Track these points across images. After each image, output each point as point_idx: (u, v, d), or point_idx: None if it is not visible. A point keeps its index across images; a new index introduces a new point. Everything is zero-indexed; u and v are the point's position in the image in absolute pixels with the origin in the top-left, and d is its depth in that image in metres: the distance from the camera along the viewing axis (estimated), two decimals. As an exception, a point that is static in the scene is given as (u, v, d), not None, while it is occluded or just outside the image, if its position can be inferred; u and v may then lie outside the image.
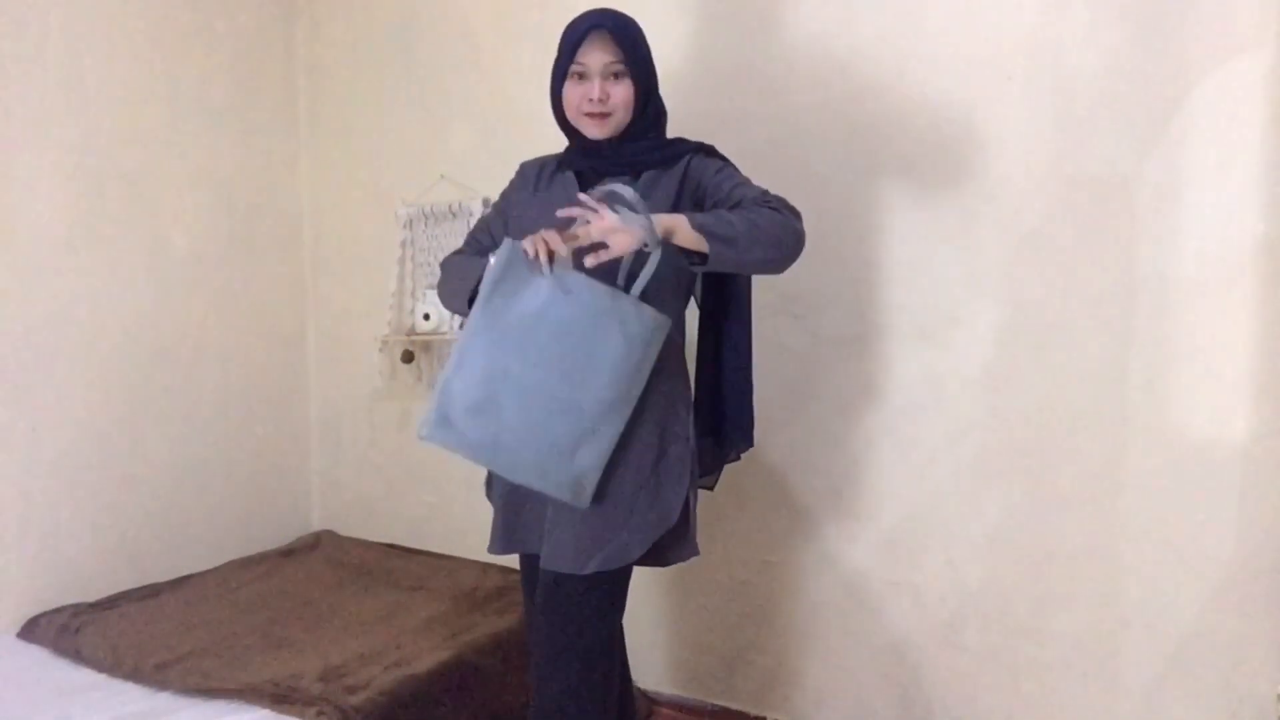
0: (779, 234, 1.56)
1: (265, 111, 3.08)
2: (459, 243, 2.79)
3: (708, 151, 1.75)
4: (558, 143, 2.26)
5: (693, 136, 2.29)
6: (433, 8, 2.86)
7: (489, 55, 2.76)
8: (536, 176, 1.81)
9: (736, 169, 1.73)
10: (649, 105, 1.71)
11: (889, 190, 2.14)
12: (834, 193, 2.20)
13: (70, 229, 2.53)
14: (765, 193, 1.64)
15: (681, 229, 1.49)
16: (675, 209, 1.62)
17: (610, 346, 1.53)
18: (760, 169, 2.27)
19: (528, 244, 1.53)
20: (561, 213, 1.53)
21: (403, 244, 2.95)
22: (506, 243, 1.56)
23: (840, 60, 2.18)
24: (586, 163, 1.73)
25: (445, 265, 1.85)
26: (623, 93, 1.66)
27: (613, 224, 1.46)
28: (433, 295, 2.83)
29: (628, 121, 1.69)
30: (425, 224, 2.91)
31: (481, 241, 1.84)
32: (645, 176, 1.68)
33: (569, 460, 1.54)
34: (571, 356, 1.53)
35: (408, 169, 2.94)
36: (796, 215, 1.62)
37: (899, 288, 2.14)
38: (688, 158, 1.71)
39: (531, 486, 1.58)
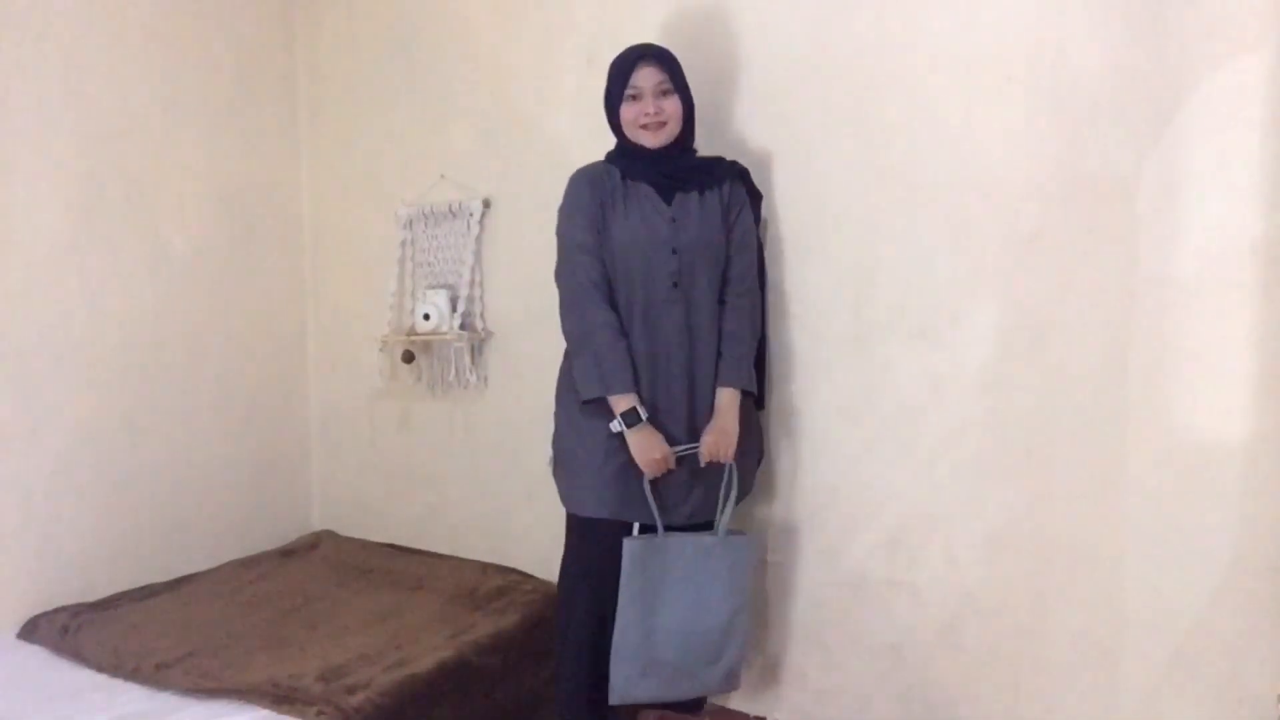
0: (756, 331, 2.13)
1: (265, 111, 3.08)
2: (459, 242, 2.84)
3: (741, 176, 2.16)
4: (554, 142, 2.28)
5: (693, 136, 2.30)
6: (433, 8, 2.86)
7: (489, 55, 2.76)
8: (609, 189, 2.07)
9: (751, 210, 2.14)
10: (690, 120, 2.08)
11: (889, 190, 2.13)
12: (834, 193, 2.20)
13: (70, 229, 2.53)
14: (751, 266, 2.11)
15: (734, 411, 2.04)
16: (718, 230, 2.06)
17: (719, 577, 2.03)
18: (760, 169, 2.28)
19: (651, 471, 1.98)
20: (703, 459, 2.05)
21: (403, 244, 2.96)
22: (627, 548, 1.99)
23: (841, 60, 2.18)
24: (657, 174, 2.06)
25: (585, 327, 2.03)
26: (673, 107, 2.04)
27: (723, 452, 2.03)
28: (433, 295, 2.83)
29: (678, 132, 2.06)
30: (425, 224, 2.91)
31: (594, 261, 2.04)
32: (708, 194, 2.07)
33: (715, 666, 2.07)
34: (695, 596, 2.02)
35: (408, 169, 2.94)
36: (760, 287, 2.17)
37: (899, 288, 2.14)
38: (728, 182, 2.10)
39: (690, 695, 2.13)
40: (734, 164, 2.16)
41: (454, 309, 2.81)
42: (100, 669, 2.14)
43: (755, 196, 2.20)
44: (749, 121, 2.30)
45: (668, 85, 2.03)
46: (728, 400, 2.04)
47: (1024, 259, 1.99)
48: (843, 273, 2.21)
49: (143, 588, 2.61)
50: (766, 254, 2.30)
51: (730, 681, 2.10)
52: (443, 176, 2.86)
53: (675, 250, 2.01)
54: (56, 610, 2.41)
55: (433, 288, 2.88)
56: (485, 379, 2.83)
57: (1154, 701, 1.90)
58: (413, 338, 2.87)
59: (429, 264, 2.92)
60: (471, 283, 2.81)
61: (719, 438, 2.01)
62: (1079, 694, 1.98)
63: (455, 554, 2.89)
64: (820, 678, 2.29)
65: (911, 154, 2.10)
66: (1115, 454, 1.91)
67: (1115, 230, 1.89)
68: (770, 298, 2.30)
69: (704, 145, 2.32)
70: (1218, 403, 1.81)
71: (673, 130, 2.05)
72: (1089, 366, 1.93)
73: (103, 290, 2.62)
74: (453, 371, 2.85)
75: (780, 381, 2.31)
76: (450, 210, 2.83)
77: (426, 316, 2.79)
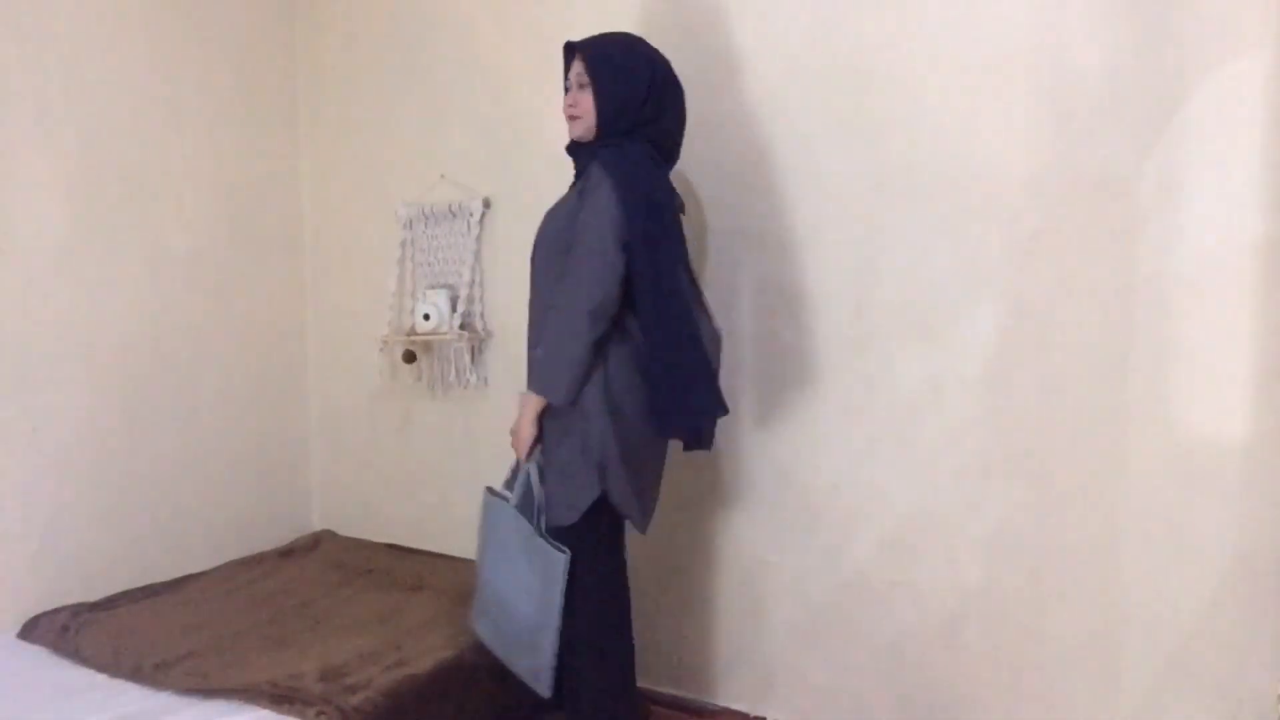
0: (553, 336, 1.90)
1: (265, 111, 3.08)
2: (459, 242, 2.84)
3: (601, 161, 1.94)
4: (556, 143, 2.27)
5: (693, 136, 2.29)
6: (432, 8, 2.86)
7: (489, 55, 2.76)
8: None
9: (592, 210, 1.90)
10: (616, 117, 1.95)
11: (889, 190, 2.13)
12: (834, 192, 2.20)
13: (70, 229, 2.53)
14: (575, 263, 1.89)
15: (524, 413, 1.95)
16: (565, 230, 1.95)
17: (530, 574, 1.98)
18: (760, 169, 2.28)
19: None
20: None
21: (403, 244, 2.96)
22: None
23: (841, 60, 2.18)
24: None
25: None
26: (586, 102, 1.97)
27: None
28: (433, 294, 2.83)
29: (594, 127, 1.98)
30: (425, 224, 2.91)
31: None
32: (576, 185, 2.02)
33: (526, 657, 2.00)
34: (513, 576, 2.01)
35: (408, 169, 2.94)
36: (574, 307, 1.87)
37: (899, 288, 2.14)
38: (586, 178, 1.97)
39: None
40: (602, 152, 1.97)
41: (454, 309, 2.81)
42: (100, 669, 2.14)
43: (618, 186, 1.91)
44: (749, 121, 2.30)
45: (585, 79, 1.96)
46: (519, 401, 1.98)
47: (1024, 259, 1.99)
48: (843, 273, 2.21)
49: (143, 588, 2.61)
50: (767, 254, 2.30)
51: (539, 682, 1.97)
52: (443, 176, 2.86)
53: (535, 246, 2.06)
54: (56, 610, 2.41)
55: (433, 288, 2.88)
56: (485, 379, 2.83)
57: (1154, 701, 1.90)
58: (413, 338, 2.87)
59: (429, 264, 2.92)
60: (471, 283, 2.81)
61: (512, 434, 2.00)
62: (1079, 694, 1.98)
63: (455, 554, 2.89)
64: (820, 678, 2.29)
65: (911, 154, 2.10)
66: (1115, 454, 1.91)
67: (1115, 230, 1.89)
68: (770, 298, 2.30)
69: (703, 145, 2.32)
70: (1218, 403, 1.81)
71: (588, 124, 1.98)
72: (1089, 366, 1.93)
73: (103, 290, 2.61)
74: (453, 371, 2.85)
75: (780, 381, 2.31)
76: (450, 210, 2.83)
77: (426, 316, 2.79)
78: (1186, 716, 1.87)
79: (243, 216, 3.02)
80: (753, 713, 2.39)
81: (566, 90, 2.04)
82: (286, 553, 2.98)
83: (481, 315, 2.82)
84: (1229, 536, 1.81)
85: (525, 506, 2.04)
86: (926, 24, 2.07)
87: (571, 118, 2.01)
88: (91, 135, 2.57)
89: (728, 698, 2.43)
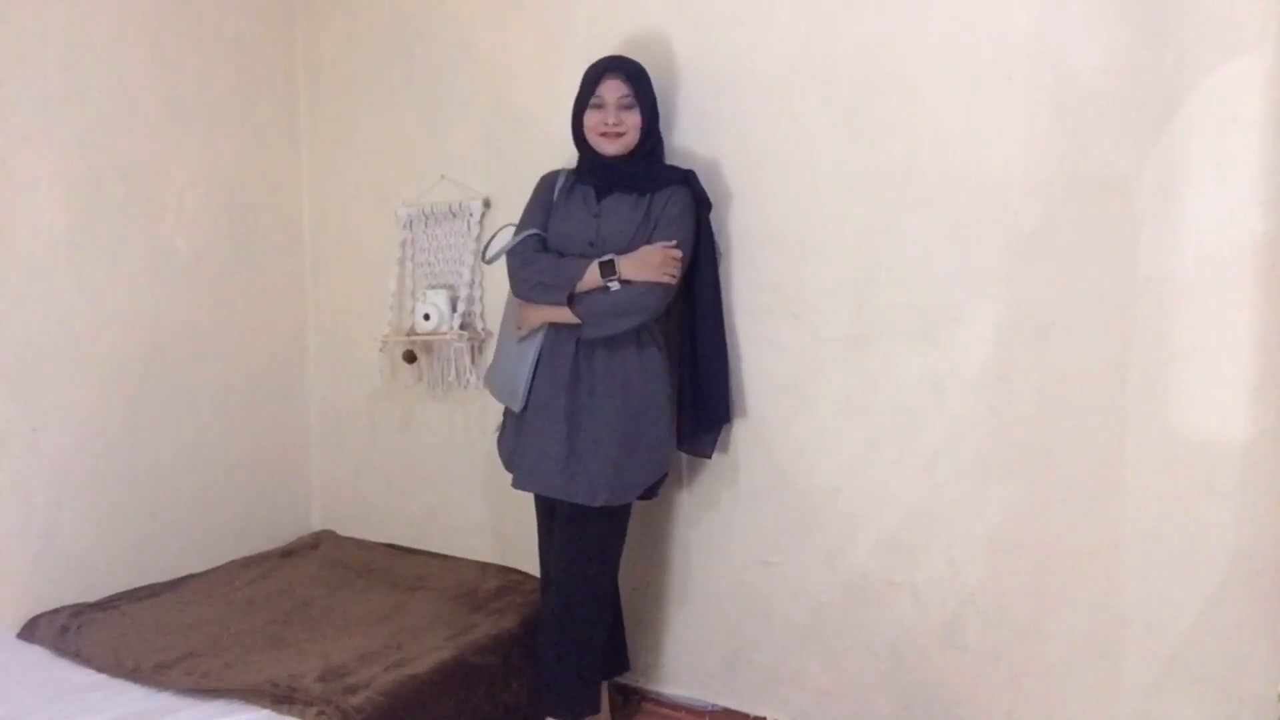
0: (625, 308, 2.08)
1: (265, 111, 3.08)
2: (459, 242, 2.84)
3: (686, 181, 2.19)
4: (554, 142, 2.29)
5: (693, 136, 2.30)
6: (432, 8, 2.86)
7: (489, 55, 2.76)
8: (558, 188, 2.26)
9: (680, 218, 2.13)
10: (651, 133, 2.19)
11: (889, 190, 2.13)
12: (834, 193, 2.20)
13: (70, 229, 2.53)
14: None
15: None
16: (641, 227, 2.14)
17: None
18: (761, 169, 2.28)
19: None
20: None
21: (403, 244, 2.96)
22: None
23: (840, 60, 2.18)
24: (599, 180, 2.20)
25: (529, 261, 2.17)
26: (633, 120, 2.15)
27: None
28: (433, 295, 2.83)
29: (635, 143, 2.16)
30: (425, 224, 2.91)
31: (536, 238, 2.22)
32: (642, 198, 2.16)
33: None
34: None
35: (408, 169, 2.94)
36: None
37: (899, 288, 2.14)
38: (670, 188, 2.15)
39: None
40: (679, 171, 2.20)
41: (454, 309, 2.81)
42: (100, 669, 2.14)
43: (703, 204, 2.21)
44: (749, 121, 2.30)
45: (630, 99, 2.14)
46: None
47: (1024, 258, 1.99)
48: (843, 273, 2.21)
49: (143, 588, 2.61)
50: (767, 254, 2.30)
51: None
52: (443, 176, 2.86)
53: (592, 244, 2.14)
54: (56, 610, 2.41)
55: (433, 288, 2.88)
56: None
57: (1154, 701, 1.90)
58: (413, 338, 2.87)
59: (429, 264, 2.92)
60: (471, 283, 2.81)
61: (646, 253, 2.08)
62: (1079, 694, 1.98)
63: (455, 554, 2.89)
64: (820, 678, 2.29)
65: (911, 154, 2.10)
66: (1115, 454, 1.91)
67: (1115, 230, 1.89)
68: (770, 298, 2.30)
69: (704, 145, 2.32)
70: (1218, 403, 1.81)
71: (629, 141, 2.16)
72: (1089, 366, 1.93)
73: (103, 290, 2.61)
74: (453, 371, 2.85)
75: (780, 382, 2.31)
76: (450, 210, 2.83)
77: (426, 317, 2.79)
78: (1186, 716, 1.87)
79: (243, 216, 3.02)
80: (753, 713, 2.39)
81: (588, 109, 2.15)
82: (286, 553, 2.98)
83: (481, 315, 2.82)
84: (1229, 536, 1.81)
85: None
86: (926, 24, 2.07)
87: (615, 135, 2.14)
88: (91, 135, 2.57)
89: (728, 698, 2.43)
